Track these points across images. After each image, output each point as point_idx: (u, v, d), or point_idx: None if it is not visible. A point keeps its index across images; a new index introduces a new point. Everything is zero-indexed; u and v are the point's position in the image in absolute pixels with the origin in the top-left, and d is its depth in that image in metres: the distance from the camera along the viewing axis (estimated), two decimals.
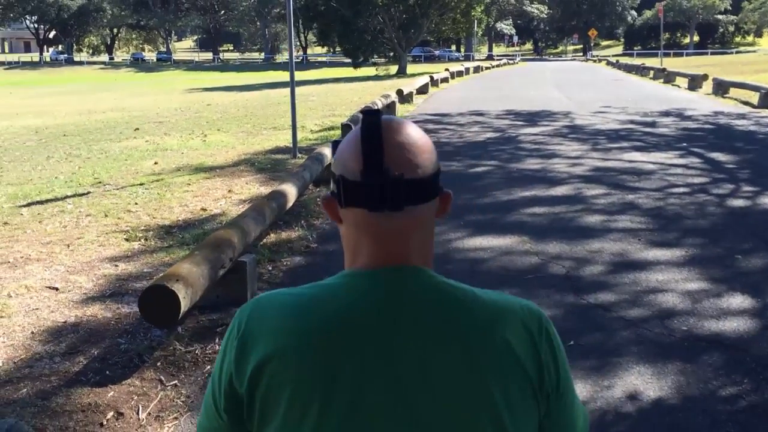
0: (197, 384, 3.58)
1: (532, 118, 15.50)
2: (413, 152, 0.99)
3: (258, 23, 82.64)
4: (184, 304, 3.70)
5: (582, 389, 3.42)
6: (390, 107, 15.06)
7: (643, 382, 3.50)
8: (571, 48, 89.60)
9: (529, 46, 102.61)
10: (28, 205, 7.55)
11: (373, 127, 0.99)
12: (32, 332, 4.13)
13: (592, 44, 78.29)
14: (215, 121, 16.39)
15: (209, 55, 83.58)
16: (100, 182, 8.76)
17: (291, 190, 6.17)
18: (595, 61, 62.07)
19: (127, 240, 6.00)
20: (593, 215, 6.74)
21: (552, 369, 1.02)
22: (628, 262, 5.35)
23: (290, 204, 6.14)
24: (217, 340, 4.07)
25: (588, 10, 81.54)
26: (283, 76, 44.49)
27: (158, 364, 3.77)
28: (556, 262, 5.38)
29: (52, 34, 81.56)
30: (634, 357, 3.77)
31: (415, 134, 1.02)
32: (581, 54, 79.67)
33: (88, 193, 8.08)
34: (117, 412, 3.29)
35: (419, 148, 1.00)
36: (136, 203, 7.40)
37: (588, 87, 26.10)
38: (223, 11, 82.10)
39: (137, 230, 6.28)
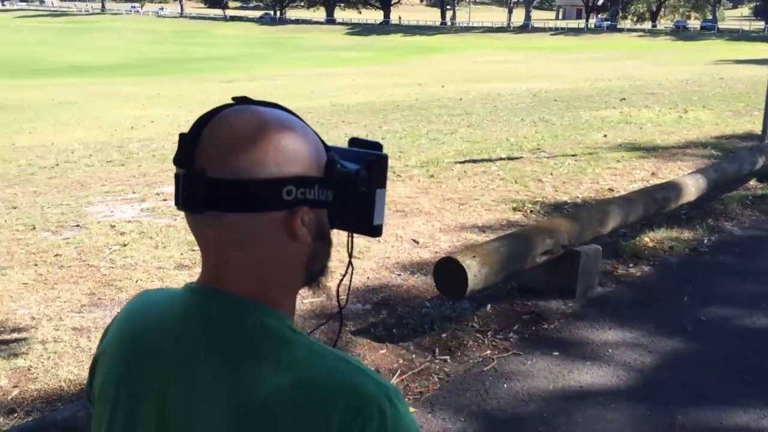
0: (464, 366, 3.48)
1: None
2: (231, 147, 0.80)
3: None
4: (474, 282, 3.61)
5: None
6: None
7: None
8: None
9: None
10: (464, 162, 8.16)
11: (207, 113, 0.85)
12: (368, 277, 4.53)
13: None
14: (709, 96, 15.01)
15: (761, 25, 75.85)
16: (538, 149, 8.93)
17: (690, 182, 5.34)
18: None
19: (513, 209, 6.04)
20: None
21: None
22: None
23: (687, 198, 5.32)
24: (516, 327, 3.87)
25: None
26: None
27: (443, 335, 3.77)
28: None
29: (600, 2, 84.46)
30: None
31: (252, 128, 0.82)
32: None
33: (520, 158, 8.32)
34: (376, 370, 3.40)
35: (246, 145, 0.80)
36: (551, 174, 7.35)
37: None
38: None
39: (530, 201, 6.26)
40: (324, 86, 23.61)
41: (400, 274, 4.59)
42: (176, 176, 0.82)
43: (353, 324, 3.86)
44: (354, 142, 1.03)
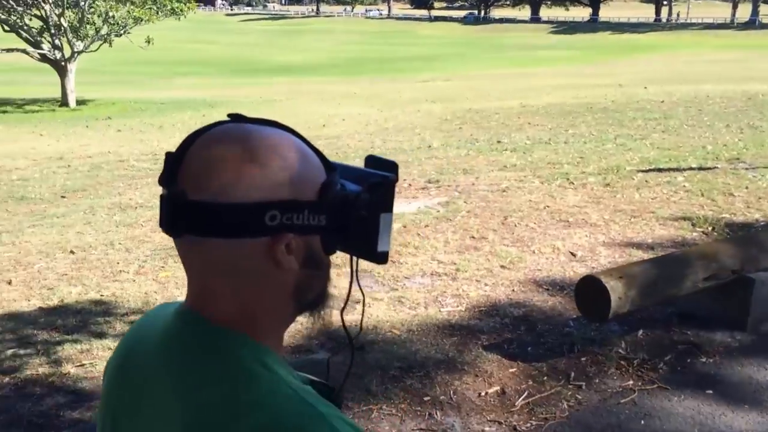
0: (599, 396, 3.22)
1: None
2: (212, 168, 0.77)
3: None
4: (618, 305, 3.33)
5: None
6: None
7: None
8: None
9: None
10: (647, 170, 7.60)
11: (196, 131, 0.84)
12: (513, 290, 4.35)
13: None
14: None
15: None
16: (737, 158, 8.08)
17: None
18: None
19: (693, 225, 5.50)
20: None
21: None
22: None
23: None
24: (668, 358, 3.51)
25: None
26: None
27: (582, 359, 3.51)
28: None
29: None
30: None
31: (236, 149, 0.78)
32: None
33: (713, 168, 7.58)
34: (502, 389, 3.27)
35: (227, 167, 0.76)
36: (746, 188, 6.61)
37: None
38: None
39: (714, 218, 5.66)
40: (518, 86, 23.21)
41: (548, 289, 4.35)
42: (161, 197, 0.79)
43: (486, 338, 3.72)
44: (371, 160, 0.96)
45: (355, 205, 0.83)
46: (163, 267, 4.85)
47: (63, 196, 7.94)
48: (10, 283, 4.71)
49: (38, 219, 6.77)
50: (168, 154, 0.80)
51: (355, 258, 0.93)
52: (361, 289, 1.18)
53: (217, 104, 18.93)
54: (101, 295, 4.37)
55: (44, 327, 3.97)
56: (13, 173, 9.65)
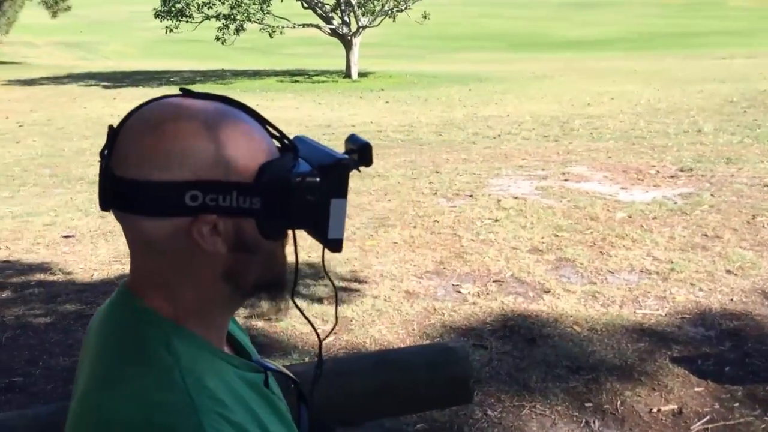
0: None
1: None
2: (137, 144, 0.76)
3: None
4: None
5: None
6: None
7: None
8: None
9: None
10: None
11: (137, 106, 0.85)
12: (732, 299, 3.77)
13: None
14: None
15: None
16: None
17: None
18: None
19: None
20: None
21: None
22: None
23: None
24: None
25: None
26: None
27: None
28: None
29: None
30: None
31: (162, 126, 0.76)
32: None
33: None
34: (679, 409, 2.88)
35: (150, 144, 0.75)
36: None
37: None
38: None
39: None
40: None
41: (762, 302, 3.72)
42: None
43: (679, 349, 3.29)
44: (350, 140, 0.91)
45: (299, 189, 0.78)
46: (372, 236, 5.02)
47: None
48: None
49: None
50: (110, 128, 0.80)
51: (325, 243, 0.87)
52: (330, 279, 1.12)
53: (486, 79, 18.98)
54: (309, 257, 4.64)
55: None
56: None
